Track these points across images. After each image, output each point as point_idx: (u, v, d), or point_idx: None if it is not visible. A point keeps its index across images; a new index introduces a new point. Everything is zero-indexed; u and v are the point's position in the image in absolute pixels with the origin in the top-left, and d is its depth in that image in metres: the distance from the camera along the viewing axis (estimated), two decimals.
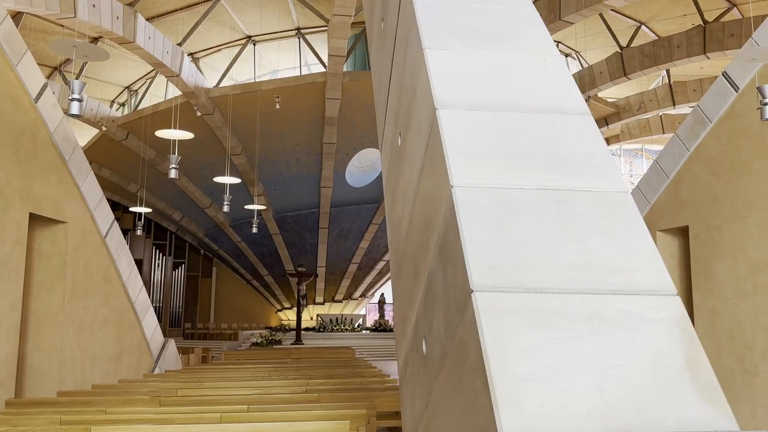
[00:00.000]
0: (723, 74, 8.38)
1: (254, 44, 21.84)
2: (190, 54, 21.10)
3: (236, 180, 15.86)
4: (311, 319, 27.56)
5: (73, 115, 5.99)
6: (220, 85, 20.90)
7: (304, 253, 25.84)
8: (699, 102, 9.05)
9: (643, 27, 21.66)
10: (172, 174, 10.35)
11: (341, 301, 27.96)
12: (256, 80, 21.82)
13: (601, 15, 20.54)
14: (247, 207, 18.69)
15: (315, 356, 14.27)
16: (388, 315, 26.33)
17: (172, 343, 12.04)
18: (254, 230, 16.30)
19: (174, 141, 11.68)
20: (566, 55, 24.61)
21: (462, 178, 2.15)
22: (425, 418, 2.44)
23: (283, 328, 23.39)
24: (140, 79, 24.18)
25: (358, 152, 22.89)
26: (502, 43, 2.88)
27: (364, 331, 24.65)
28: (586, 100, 23.95)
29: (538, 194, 2.13)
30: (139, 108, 22.79)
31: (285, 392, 7.07)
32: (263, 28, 21.15)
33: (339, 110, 20.38)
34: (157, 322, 11.54)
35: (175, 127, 12.20)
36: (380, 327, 24.73)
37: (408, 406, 2.98)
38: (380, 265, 27.43)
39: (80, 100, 6.06)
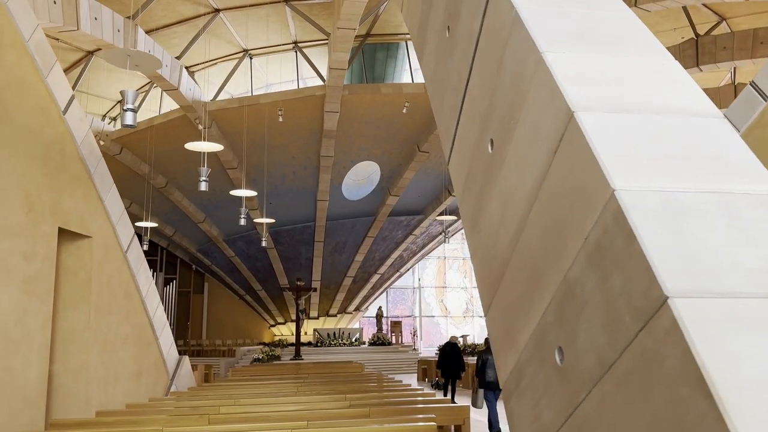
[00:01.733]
0: (751, 84, 8.56)
1: (251, 58, 21.74)
2: (186, 68, 20.92)
3: (252, 193, 15.71)
4: (306, 333, 27.29)
5: (127, 126, 5.85)
6: (216, 99, 20.75)
7: (299, 267, 25.64)
8: (725, 111, 9.23)
9: None
10: (203, 186, 10.17)
11: (335, 315, 27.76)
12: (253, 94, 21.72)
13: None
14: (256, 221, 18.52)
15: (326, 371, 14.12)
16: (386, 328, 26.22)
17: (186, 361, 11.80)
18: (264, 243, 16.10)
19: (203, 153, 11.52)
20: None
21: (624, 181, 2.12)
22: (570, 429, 2.40)
23: (282, 344, 23.08)
24: None
25: (354, 165, 22.85)
26: (618, 46, 2.89)
27: (361, 345, 24.47)
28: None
29: (702, 197, 2.11)
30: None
31: (331, 407, 6.95)
32: (260, 41, 21.08)
33: (337, 123, 20.35)
34: (172, 338, 11.30)
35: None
36: (379, 341, 24.57)
37: (525, 419, 2.92)
38: (375, 278, 27.33)
39: (134, 110, 5.92)
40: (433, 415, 6.12)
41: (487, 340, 13.91)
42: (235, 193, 15.58)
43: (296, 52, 21.60)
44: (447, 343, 15.43)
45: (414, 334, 28.08)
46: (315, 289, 24.15)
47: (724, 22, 19.94)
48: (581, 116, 2.29)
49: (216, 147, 12.32)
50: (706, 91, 23.59)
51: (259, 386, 10.08)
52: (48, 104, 7.80)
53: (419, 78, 21.96)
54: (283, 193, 23.61)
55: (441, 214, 25.65)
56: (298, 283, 22.80)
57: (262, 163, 22.63)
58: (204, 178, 10.33)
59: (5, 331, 6.74)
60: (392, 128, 21.49)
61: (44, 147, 7.66)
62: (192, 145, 11.86)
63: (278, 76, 22.96)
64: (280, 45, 21.47)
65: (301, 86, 22.34)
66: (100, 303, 8.87)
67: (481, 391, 10.83)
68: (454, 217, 26.79)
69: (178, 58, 18.55)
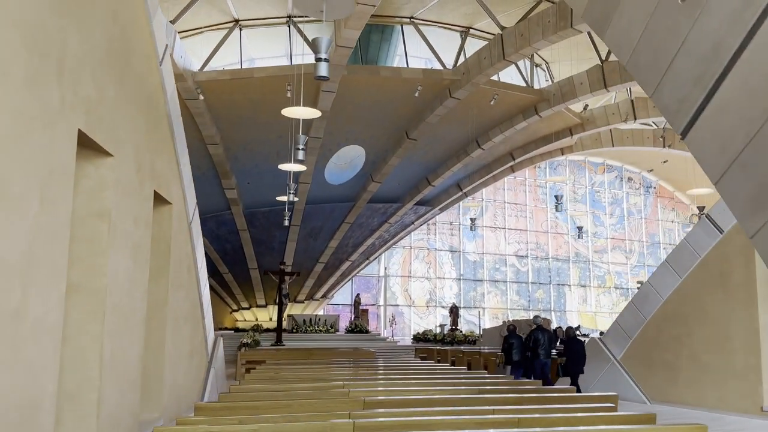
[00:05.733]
0: (707, 216, 9.40)
1: (240, 29, 20.66)
2: None
3: (301, 168, 14.86)
4: (270, 320, 26.47)
5: (320, 78, 5.26)
6: (205, 69, 19.57)
7: (270, 251, 24.79)
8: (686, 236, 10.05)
9: None
10: (300, 156, 9.43)
11: (303, 302, 27.07)
12: (242, 67, 20.66)
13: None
14: (278, 198, 17.77)
15: (349, 357, 13.68)
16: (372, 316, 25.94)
17: (221, 342, 11.06)
18: (286, 223, 15.30)
19: (299, 120, 10.68)
20: (537, 65, 25.39)
21: None
22: None
23: (259, 329, 22.22)
24: None
25: (341, 148, 22.30)
26: None
27: (337, 333, 23.99)
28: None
29: None
30: None
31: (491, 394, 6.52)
32: (253, 12, 20.08)
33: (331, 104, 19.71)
34: (212, 317, 10.55)
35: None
36: (356, 328, 24.17)
37: None
38: (345, 265, 26.86)
39: (327, 60, 5.33)
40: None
41: (510, 327, 14.80)
42: (283, 167, 14.83)
43: (290, 26, 20.71)
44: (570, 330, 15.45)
45: (391, 323, 27.88)
46: (299, 274, 23.41)
47: None
48: None
49: (314, 113, 11.52)
50: None
51: (349, 376, 9.38)
52: (150, 51, 6.96)
53: (413, 63, 21.69)
54: (264, 173, 22.68)
55: (418, 203, 25.58)
56: (282, 266, 22.01)
57: (246, 140, 21.63)
58: (302, 147, 9.59)
59: (119, 305, 5.95)
60: (384, 113, 21.11)
61: (146, 99, 6.82)
62: (288, 111, 11.00)
63: (265, 50, 22.00)
64: (273, 18, 20.53)
65: (288, 63, 21.49)
66: (173, 276, 8.08)
67: (507, 368, 14.20)
68: (429, 207, 26.78)
69: (172, 22, 17.31)
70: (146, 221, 6.78)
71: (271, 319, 26.55)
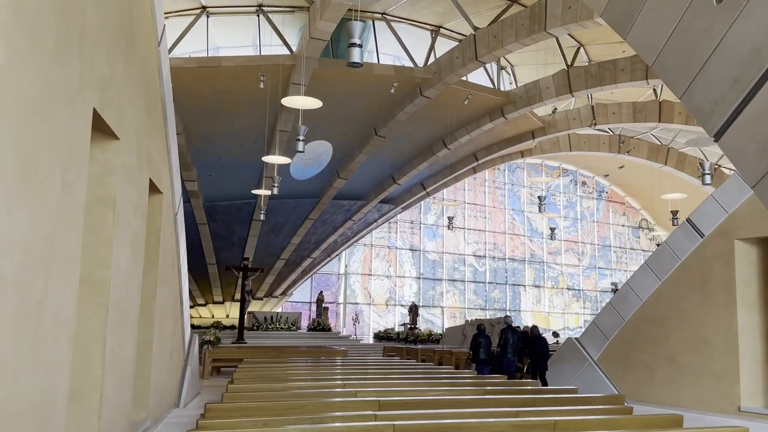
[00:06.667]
0: (687, 220, 9.79)
1: (208, 16, 20.02)
2: None
3: (287, 160, 14.38)
4: (227, 317, 25.83)
5: (353, 64, 5.02)
6: (170, 56, 18.84)
7: (230, 246, 24.17)
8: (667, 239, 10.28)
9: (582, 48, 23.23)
10: (300, 147, 9.04)
11: (262, 299, 26.51)
12: (208, 55, 20.01)
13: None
14: (254, 191, 17.26)
15: (323, 356, 13.44)
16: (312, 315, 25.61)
17: (196, 340, 10.64)
18: (262, 218, 14.81)
19: (300, 110, 10.25)
20: (502, 68, 25.64)
21: None
22: None
23: (219, 326, 21.56)
24: None
25: (308, 143, 21.87)
26: None
27: (298, 331, 23.56)
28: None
29: None
30: None
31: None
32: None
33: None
34: (189, 312, 10.12)
35: None
36: (319, 326, 23.81)
37: None
38: (306, 262, 26.46)
39: (361, 46, 5.10)
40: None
41: (479, 326, 15.33)
42: (267, 159, 14.30)
43: (259, 15, 20.20)
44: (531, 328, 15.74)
45: (355, 321, 27.58)
46: (263, 270, 22.85)
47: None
48: None
49: (315, 103, 11.09)
50: (628, 104, 25.45)
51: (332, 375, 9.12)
52: (151, 30, 6.54)
53: (383, 60, 21.51)
54: (226, 166, 22.09)
55: (382, 201, 25.43)
56: (246, 262, 21.44)
57: (209, 132, 20.98)
58: (301, 137, 9.21)
59: (120, 299, 5.55)
60: (354, 109, 20.86)
61: (146, 81, 6.41)
62: (288, 101, 10.57)
63: (231, 39, 21.40)
64: (242, 6, 19.98)
65: (255, 54, 20.98)
66: (161, 270, 7.66)
67: (473, 365, 14.79)
68: (392, 206, 26.69)
69: None
70: (143, 211, 6.38)
71: (227, 316, 25.91)
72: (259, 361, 11.24)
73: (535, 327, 17.28)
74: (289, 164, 22.38)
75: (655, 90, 25.33)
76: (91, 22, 4.36)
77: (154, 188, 7.06)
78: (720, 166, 30.69)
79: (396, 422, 4.22)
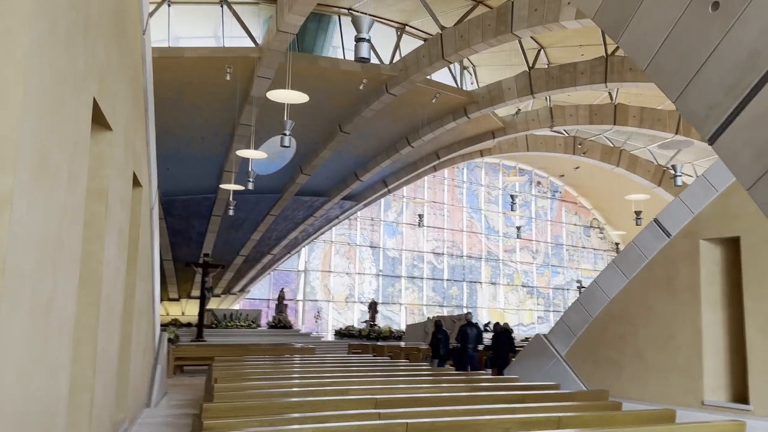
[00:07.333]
0: (655, 221, 10.22)
1: (169, 5, 19.48)
2: None
3: (262, 155, 14.02)
4: (183, 314, 25.28)
5: (361, 59, 4.94)
6: None
7: (187, 242, 23.64)
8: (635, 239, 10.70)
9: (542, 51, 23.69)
10: (286, 142, 8.83)
11: (219, 296, 26.03)
12: (169, 45, 19.47)
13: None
14: (222, 186, 16.81)
15: (292, 353, 13.32)
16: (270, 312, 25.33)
17: (165, 338, 10.38)
18: (231, 213, 14.49)
19: (287, 105, 9.97)
20: (465, 68, 25.92)
21: None
22: None
23: (177, 324, 21.05)
24: None
25: (271, 138, 21.60)
26: None
27: (258, 328, 23.23)
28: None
29: None
30: None
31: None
32: None
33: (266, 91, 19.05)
34: (160, 309, 9.87)
35: None
36: (280, 324, 23.52)
37: None
38: (266, 258, 26.13)
39: (368, 40, 5.02)
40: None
41: (437, 323, 15.83)
42: (241, 153, 13.93)
43: (222, 6, 19.79)
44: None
45: (317, 318, 27.35)
46: (224, 267, 22.41)
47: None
48: None
49: (302, 97, 10.81)
50: (585, 107, 26.09)
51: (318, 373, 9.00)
52: (137, 18, 6.31)
53: (348, 56, 21.39)
54: (186, 159, 21.57)
55: (344, 198, 25.35)
56: (206, 258, 20.98)
57: (169, 123, 20.42)
58: (288, 132, 9.00)
59: (108, 296, 5.36)
60: (319, 104, 20.65)
61: (133, 71, 6.19)
62: (274, 95, 10.29)
63: (192, 30, 20.90)
64: None
65: (217, 45, 20.57)
66: (139, 266, 7.43)
67: (435, 361, 15.47)
68: (354, 202, 26.61)
69: None
70: (128, 205, 6.18)
71: (183, 314, 25.36)
72: (231, 359, 11.03)
73: (497, 323, 17.70)
74: (252, 159, 22.10)
75: (610, 93, 26.04)
76: (93, 9, 4.19)
77: (135, 181, 6.83)
78: (668, 168, 31.83)
79: (409, 420, 4.21)
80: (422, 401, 5.59)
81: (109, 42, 4.78)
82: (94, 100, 4.35)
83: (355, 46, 5.13)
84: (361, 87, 17.61)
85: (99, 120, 4.79)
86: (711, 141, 4.90)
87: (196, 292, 25.18)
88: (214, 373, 7.70)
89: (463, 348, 15.45)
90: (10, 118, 2.69)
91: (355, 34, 5.11)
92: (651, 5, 5.26)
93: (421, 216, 28.50)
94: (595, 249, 39.92)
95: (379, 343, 20.52)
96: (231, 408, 5.00)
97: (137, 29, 6.36)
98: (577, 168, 32.74)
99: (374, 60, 21.01)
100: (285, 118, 9.52)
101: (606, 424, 4.81)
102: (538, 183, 38.01)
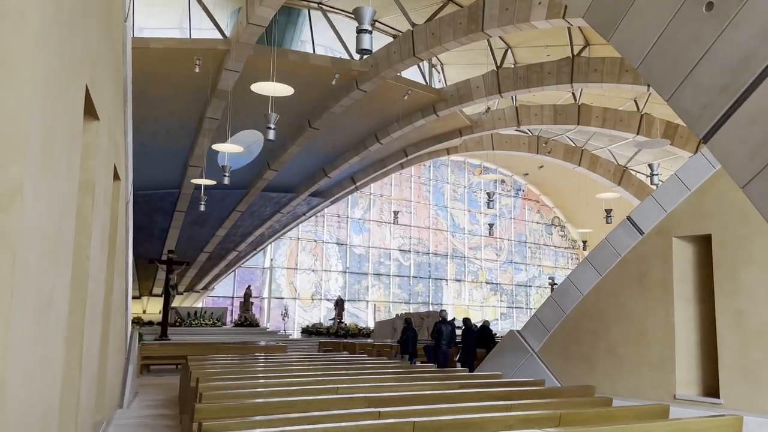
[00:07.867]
0: (628, 218, 10.47)
1: None
2: None
3: (238, 148, 13.65)
4: (144, 312, 24.67)
5: (363, 51, 4.83)
6: None
7: (150, 238, 23.05)
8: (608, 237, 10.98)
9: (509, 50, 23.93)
10: (270, 135, 8.59)
11: (182, 293, 25.48)
12: (134, 36, 18.92)
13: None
14: (193, 181, 16.36)
15: (265, 352, 13.14)
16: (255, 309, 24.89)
17: (136, 336, 10.08)
18: (202, 208, 14.14)
19: (271, 98, 9.66)
20: (433, 66, 25.99)
21: None
22: None
23: (140, 322, 20.49)
24: None
25: (238, 132, 21.23)
26: None
27: (223, 327, 22.82)
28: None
29: None
30: None
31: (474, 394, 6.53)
32: None
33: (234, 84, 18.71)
34: (132, 307, 9.56)
35: None
36: (246, 322, 23.15)
37: None
38: (231, 255, 25.70)
39: (370, 32, 4.91)
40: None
41: (407, 320, 16.03)
42: (217, 147, 13.55)
43: None
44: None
45: (284, 316, 26.99)
46: (189, 264, 21.90)
47: (589, 46, 22.34)
48: None
49: (287, 90, 10.53)
50: (550, 107, 26.49)
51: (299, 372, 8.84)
52: (120, 4, 6.06)
53: (319, 51, 21.18)
54: (150, 153, 20.99)
55: (312, 194, 25.13)
56: (170, 255, 20.47)
57: (134, 116, 19.82)
58: (272, 125, 8.76)
59: (93, 294, 5.13)
60: (288, 99, 20.38)
61: (116, 59, 5.95)
62: (259, 87, 9.99)
63: (156, 20, 20.35)
64: None
65: (182, 37, 20.09)
66: (116, 262, 7.17)
67: (405, 357, 15.95)
68: (322, 199, 26.41)
69: None
70: (109, 198, 5.94)
71: (145, 312, 24.75)
72: (206, 358, 10.77)
73: (466, 319, 17.89)
74: (215, 153, 21.66)
75: (573, 94, 26.49)
76: None
77: (116, 174, 6.58)
78: (627, 168, 32.58)
79: (416, 419, 4.15)
80: (420, 399, 5.55)
81: (100, 26, 4.57)
82: (86, 87, 4.14)
83: (356, 37, 5.04)
84: (333, 82, 17.43)
85: (89, 109, 4.57)
86: (705, 139, 4.95)
87: (157, 290, 24.61)
88: (194, 373, 7.49)
89: (437, 344, 15.61)
90: (20, 102, 2.52)
91: (357, 25, 5.00)
92: (644, 4, 5.29)
93: (396, 213, 28.55)
94: (556, 246, 40.63)
95: (349, 341, 20.42)
96: (221, 408, 4.84)
97: (119, 15, 6.11)
98: (541, 167, 33.23)
99: (343, 55, 20.90)
100: (269, 111, 9.32)
101: (605, 420, 4.86)
102: (502, 181, 38.49)
